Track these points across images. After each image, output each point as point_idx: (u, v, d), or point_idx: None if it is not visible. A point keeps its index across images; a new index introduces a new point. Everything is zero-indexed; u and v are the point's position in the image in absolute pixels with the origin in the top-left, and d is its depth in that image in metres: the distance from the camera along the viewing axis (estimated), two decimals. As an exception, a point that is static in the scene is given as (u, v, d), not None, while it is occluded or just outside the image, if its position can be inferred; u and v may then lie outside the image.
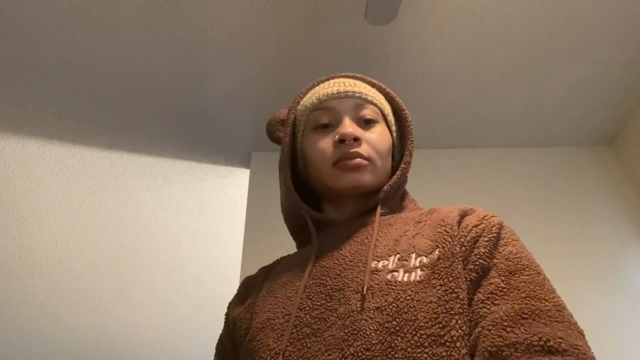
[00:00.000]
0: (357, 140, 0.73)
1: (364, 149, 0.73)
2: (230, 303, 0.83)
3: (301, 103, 0.83)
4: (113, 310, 3.14)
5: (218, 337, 0.83)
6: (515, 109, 1.95)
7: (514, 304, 0.54)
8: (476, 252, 0.61)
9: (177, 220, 2.57)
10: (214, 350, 0.89)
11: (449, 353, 0.53)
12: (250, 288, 0.80)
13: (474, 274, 0.59)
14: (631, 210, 1.89)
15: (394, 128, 0.82)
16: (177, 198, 2.44)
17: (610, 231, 1.84)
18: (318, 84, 0.85)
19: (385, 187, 0.76)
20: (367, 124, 0.77)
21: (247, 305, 0.75)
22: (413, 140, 0.81)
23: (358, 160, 0.72)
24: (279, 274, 0.75)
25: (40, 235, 2.58)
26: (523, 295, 0.54)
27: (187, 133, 2.07)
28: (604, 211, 1.89)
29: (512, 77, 1.83)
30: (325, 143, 0.75)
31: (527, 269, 0.58)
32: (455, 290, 0.58)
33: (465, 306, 0.57)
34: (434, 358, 0.53)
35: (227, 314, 0.82)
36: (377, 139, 0.76)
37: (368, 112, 0.77)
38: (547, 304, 0.54)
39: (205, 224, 2.61)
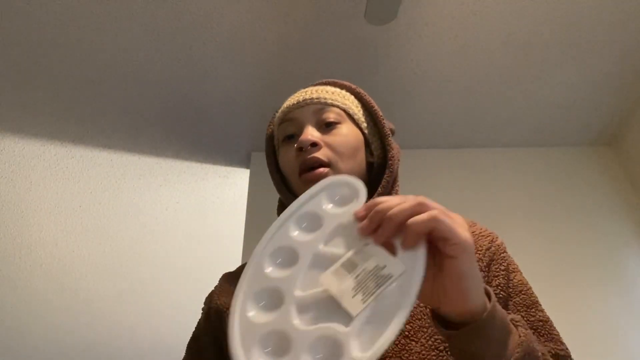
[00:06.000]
0: (315, 145, 0.74)
1: (323, 154, 0.74)
2: (211, 295, 0.80)
3: (276, 117, 0.86)
4: (113, 310, 3.14)
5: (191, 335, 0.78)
6: (515, 109, 1.95)
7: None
8: (495, 284, 0.68)
9: (177, 220, 2.57)
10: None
11: None
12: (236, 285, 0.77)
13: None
14: (631, 210, 1.89)
15: (364, 125, 0.83)
16: (177, 198, 2.43)
17: (610, 230, 1.84)
18: None
19: (379, 188, 0.77)
20: (328, 127, 0.78)
21: None
22: (388, 134, 0.82)
23: (318, 170, 0.73)
24: None
25: (40, 235, 2.58)
26: (542, 340, 0.64)
27: (187, 133, 2.06)
28: (604, 211, 1.89)
29: (512, 77, 1.83)
30: (290, 154, 0.77)
31: (537, 303, 0.68)
32: None
33: None
34: None
35: (207, 306, 0.78)
36: (339, 141, 0.76)
37: (329, 115, 0.79)
38: (565, 350, 0.64)
39: (205, 224, 2.61)
